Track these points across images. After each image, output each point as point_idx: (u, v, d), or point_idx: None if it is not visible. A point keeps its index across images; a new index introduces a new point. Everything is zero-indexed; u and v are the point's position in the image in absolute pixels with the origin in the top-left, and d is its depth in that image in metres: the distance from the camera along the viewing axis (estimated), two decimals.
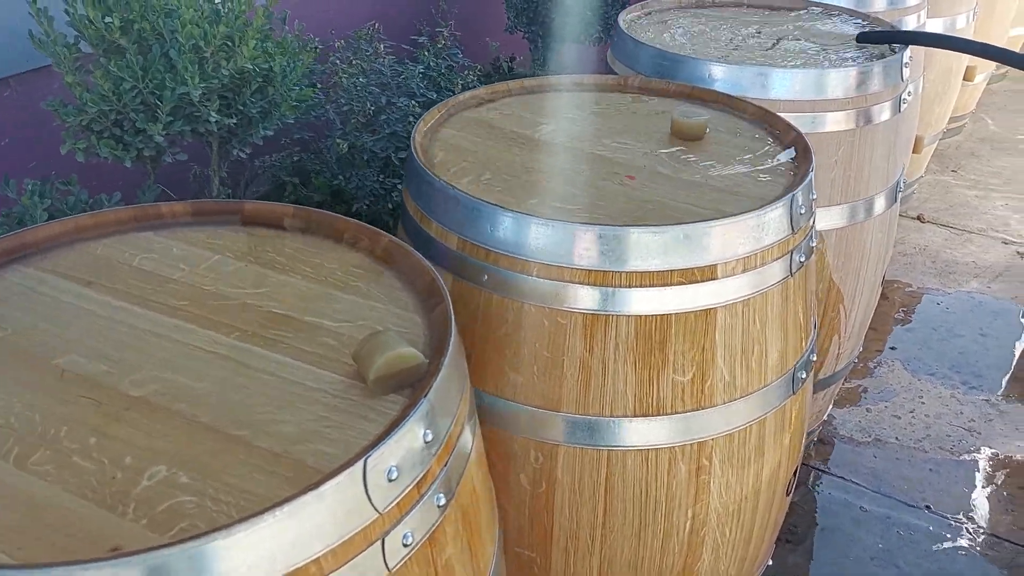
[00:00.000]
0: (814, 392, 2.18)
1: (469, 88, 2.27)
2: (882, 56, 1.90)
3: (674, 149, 1.50)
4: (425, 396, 0.85)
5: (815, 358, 1.48)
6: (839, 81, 1.82)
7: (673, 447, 1.30)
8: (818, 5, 2.29)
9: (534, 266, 1.24)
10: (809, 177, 1.35)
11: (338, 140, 2.01)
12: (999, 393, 2.61)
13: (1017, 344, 2.84)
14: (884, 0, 2.47)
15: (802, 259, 1.35)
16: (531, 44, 2.86)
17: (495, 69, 2.84)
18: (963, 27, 3.24)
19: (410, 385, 0.91)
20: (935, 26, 3.15)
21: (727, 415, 1.31)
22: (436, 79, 2.27)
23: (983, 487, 2.28)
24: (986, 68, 4.16)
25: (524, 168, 1.43)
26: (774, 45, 2.05)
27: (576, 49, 2.90)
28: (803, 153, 1.44)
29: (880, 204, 1.98)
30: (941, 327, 2.93)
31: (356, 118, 2.06)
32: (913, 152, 2.94)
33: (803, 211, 1.32)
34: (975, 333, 2.90)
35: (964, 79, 3.43)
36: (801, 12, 2.29)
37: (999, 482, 2.30)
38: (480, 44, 2.83)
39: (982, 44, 1.89)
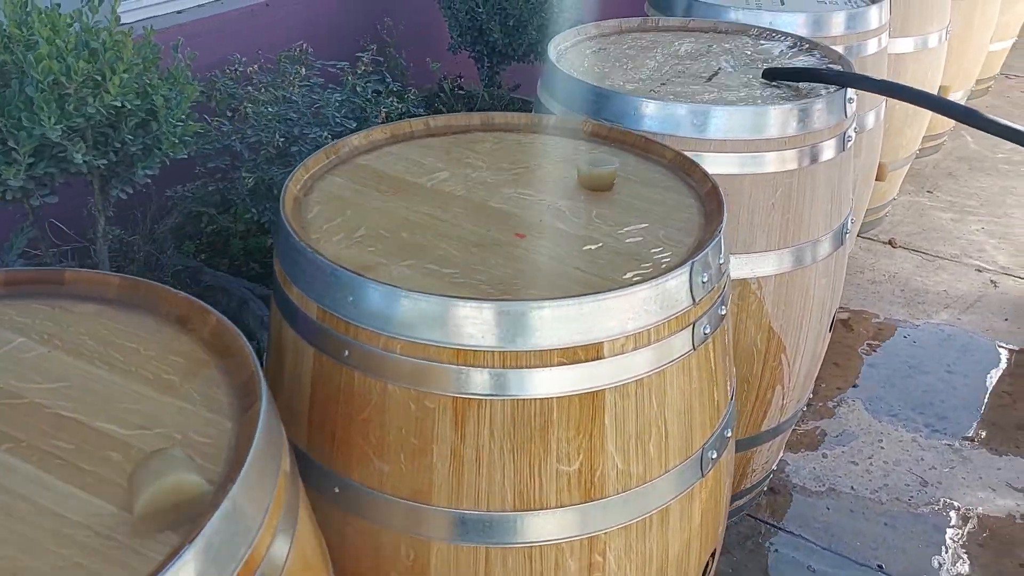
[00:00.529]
0: (759, 444, 2.04)
1: (398, 117, 2.14)
2: (825, 91, 1.76)
3: (577, 202, 1.35)
4: (191, 543, 0.71)
5: (730, 433, 1.34)
6: (778, 119, 1.68)
7: (560, 543, 1.16)
8: (766, 30, 2.15)
9: (398, 343, 1.10)
10: (716, 240, 1.21)
11: (244, 173, 1.87)
12: (963, 437, 2.47)
13: (984, 383, 2.70)
14: (842, 23, 2.33)
15: (708, 330, 1.21)
16: (477, 64, 2.72)
17: (440, 90, 2.70)
18: (935, 46, 3.11)
19: (191, 520, 0.76)
20: (905, 46, 3.02)
21: (622, 507, 1.17)
22: (363, 106, 2.13)
23: (940, 544, 2.14)
24: (964, 85, 4.03)
25: (406, 224, 1.29)
26: (713, 76, 1.91)
27: (524, 69, 2.76)
28: (714, 210, 1.30)
29: (824, 248, 1.83)
30: (907, 363, 2.79)
31: (266, 149, 1.92)
32: (877, 180, 2.80)
33: (707, 279, 1.18)
34: (942, 370, 2.76)
35: None
36: (747, 38, 2.14)
37: (958, 538, 2.16)
38: (425, 65, 2.69)
39: (903, 87, 1.76)
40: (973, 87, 4.23)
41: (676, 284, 1.13)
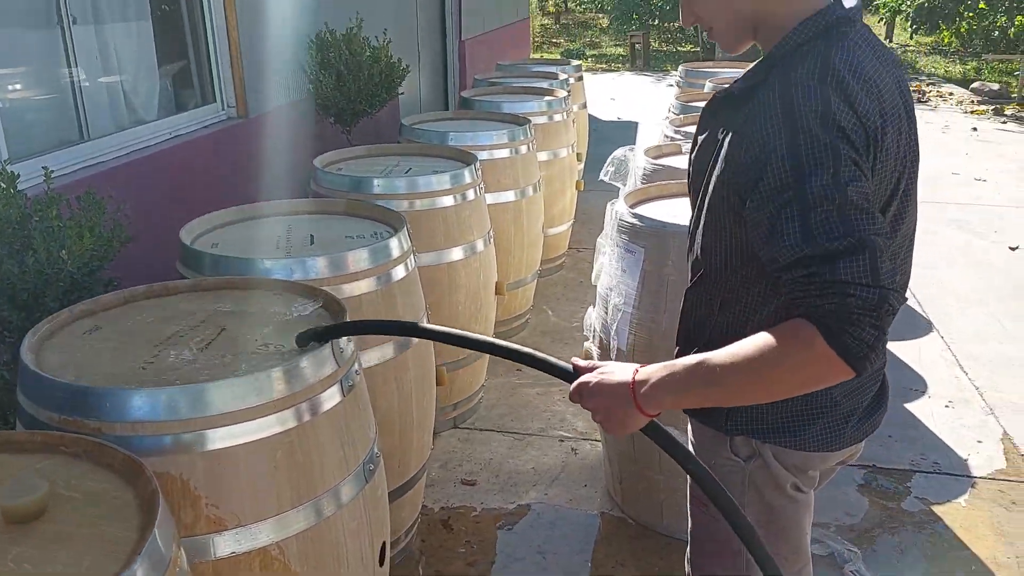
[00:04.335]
0: None
1: None
2: (312, 349, 1.82)
3: None
4: None
5: None
6: (265, 384, 1.70)
7: None
8: (280, 282, 2.21)
9: None
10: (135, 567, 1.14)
11: None
12: None
13: (573, 559, 2.87)
14: (366, 259, 2.46)
15: None
16: None
17: None
18: (483, 249, 3.44)
19: None
20: (457, 254, 3.30)
21: None
22: None
23: None
24: (530, 271, 4.52)
25: None
26: (212, 340, 1.91)
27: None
28: (147, 522, 1.23)
29: (347, 492, 1.86)
30: (502, 554, 2.90)
31: None
32: (439, 384, 2.97)
33: None
34: (534, 554, 2.90)
35: (496, 294, 3.64)
36: (263, 292, 2.19)
37: None
38: None
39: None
40: (540, 268, 4.76)
41: None
